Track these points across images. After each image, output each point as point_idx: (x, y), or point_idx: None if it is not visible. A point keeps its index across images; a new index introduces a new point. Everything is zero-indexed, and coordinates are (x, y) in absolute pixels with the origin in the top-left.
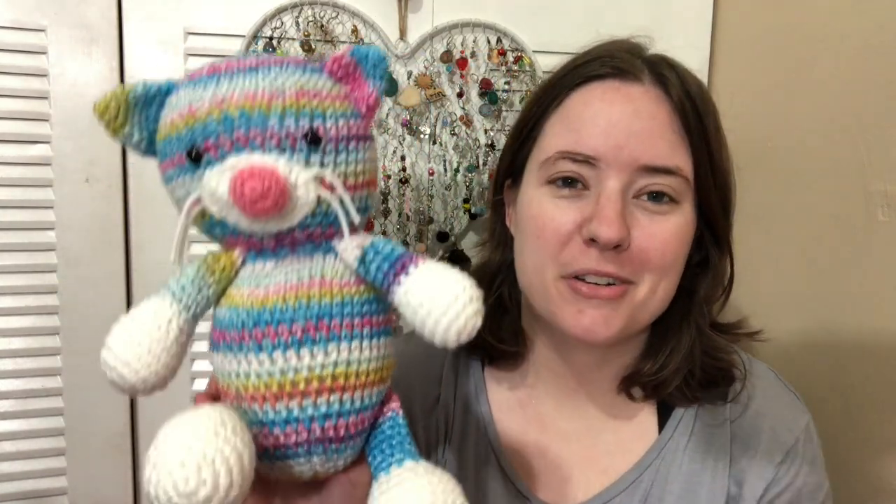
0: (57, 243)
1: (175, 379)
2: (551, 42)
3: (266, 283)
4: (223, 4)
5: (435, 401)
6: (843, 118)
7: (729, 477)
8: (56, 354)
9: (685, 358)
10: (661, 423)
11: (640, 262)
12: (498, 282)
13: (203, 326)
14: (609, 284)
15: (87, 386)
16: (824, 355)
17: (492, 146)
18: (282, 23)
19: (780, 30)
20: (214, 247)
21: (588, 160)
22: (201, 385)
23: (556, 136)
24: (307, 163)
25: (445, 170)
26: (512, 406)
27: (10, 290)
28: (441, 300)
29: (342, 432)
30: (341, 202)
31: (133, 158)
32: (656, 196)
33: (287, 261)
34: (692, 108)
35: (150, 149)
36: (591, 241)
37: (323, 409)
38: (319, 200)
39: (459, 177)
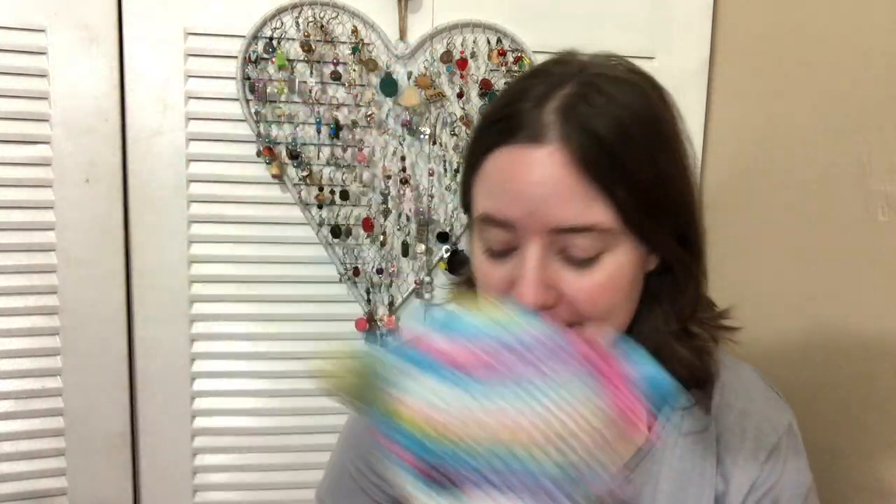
0: (57, 244)
1: (175, 379)
2: (551, 42)
3: None
4: (223, 4)
5: None
6: (843, 119)
7: (717, 476)
8: (56, 355)
9: (656, 357)
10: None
11: (574, 313)
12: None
13: (203, 326)
14: None
15: (87, 386)
16: (824, 355)
17: None
18: (282, 23)
19: (780, 30)
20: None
21: (507, 224)
22: (201, 385)
23: (480, 198)
24: None
25: (445, 170)
26: None
27: (10, 291)
28: None
29: None
30: None
31: (133, 158)
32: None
33: None
34: (607, 159)
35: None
36: None
37: None
38: None
39: (459, 177)
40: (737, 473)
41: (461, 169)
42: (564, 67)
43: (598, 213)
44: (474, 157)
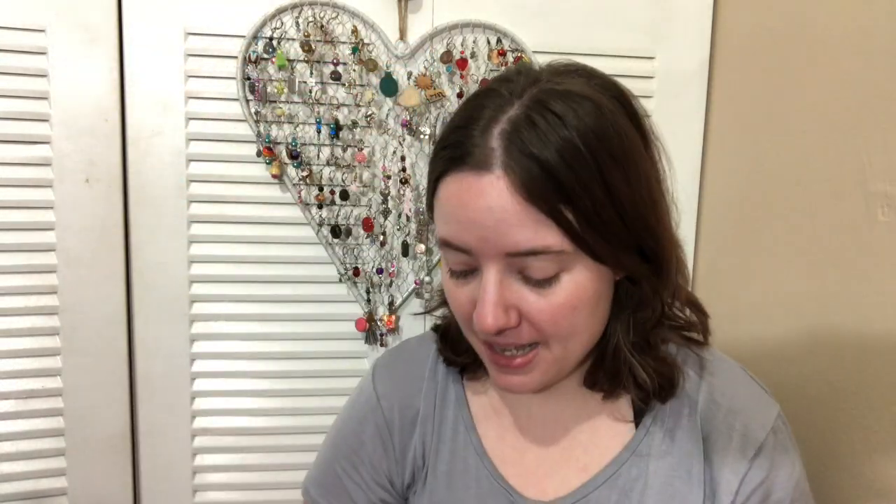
0: (57, 244)
1: (175, 379)
2: (551, 42)
3: None
4: (223, 5)
5: (415, 415)
6: (843, 118)
7: (705, 475)
8: (56, 355)
9: (614, 364)
10: (637, 420)
11: (536, 332)
12: None
13: (203, 326)
14: (520, 351)
15: (87, 386)
16: (824, 355)
17: None
18: (282, 23)
19: (780, 30)
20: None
21: (464, 250)
22: (201, 385)
23: (439, 223)
24: None
25: None
26: (488, 414)
27: (10, 291)
28: None
29: None
30: None
31: (133, 158)
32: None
33: None
34: (548, 180)
35: None
36: None
37: None
38: None
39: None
40: (726, 472)
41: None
42: (513, 85)
43: (548, 236)
44: (430, 182)
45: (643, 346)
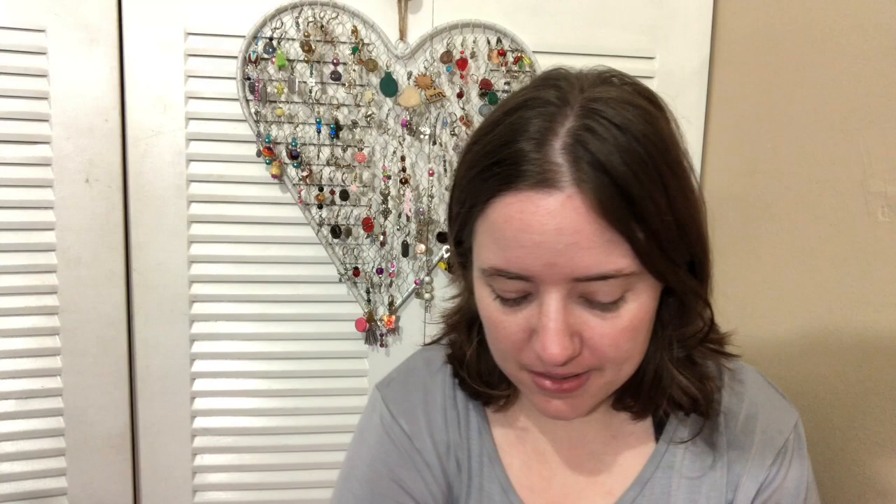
0: (57, 244)
1: (175, 379)
2: (551, 42)
3: None
4: (223, 5)
5: (445, 447)
6: (843, 118)
7: (726, 484)
8: (56, 355)
9: (654, 384)
10: (657, 436)
11: (596, 359)
12: (478, 326)
13: (203, 326)
14: (567, 379)
15: (87, 386)
16: (824, 355)
17: None
18: (282, 23)
19: (780, 30)
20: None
21: (522, 278)
22: (201, 385)
23: (487, 249)
24: None
25: (445, 170)
26: (512, 442)
27: (10, 291)
28: None
29: None
30: None
31: (133, 158)
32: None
33: None
34: (622, 198)
35: None
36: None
37: None
38: None
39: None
40: (745, 479)
41: (453, 200)
42: (558, 92)
43: (619, 258)
44: (474, 200)
45: (686, 362)
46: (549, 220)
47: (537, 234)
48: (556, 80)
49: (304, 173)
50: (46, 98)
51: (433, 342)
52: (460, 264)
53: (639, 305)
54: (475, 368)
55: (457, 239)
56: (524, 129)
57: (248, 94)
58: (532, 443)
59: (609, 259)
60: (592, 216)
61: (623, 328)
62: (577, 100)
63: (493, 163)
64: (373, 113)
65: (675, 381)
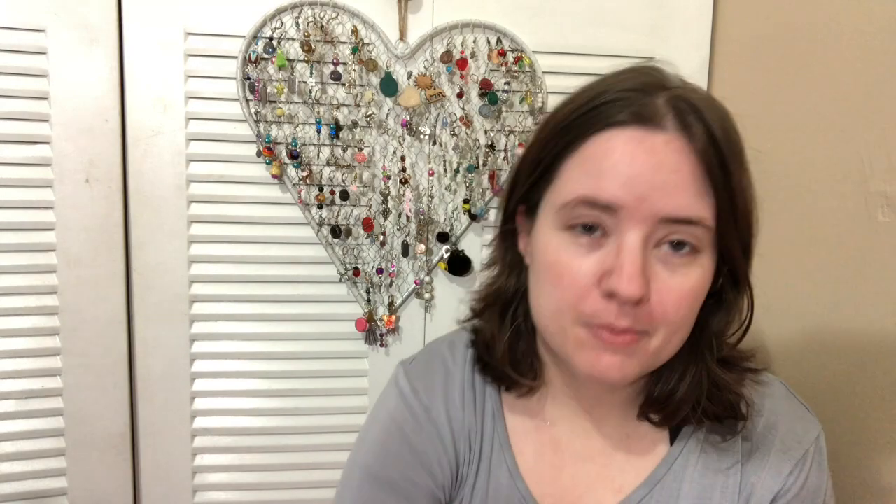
0: (57, 244)
1: (175, 379)
2: (551, 42)
3: None
4: (223, 5)
5: (460, 425)
6: (843, 118)
7: (739, 493)
8: (56, 355)
9: (691, 387)
10: (672, 438)
11: (657, 315)
12: (512, 310)
13: (203, 326)
14: (625, 332)
15: (87, 386)
16: (824, 355)
17: (492, 146)
18: (282, 23)
19: (780, 30)
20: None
21: (609, 208)
22: (201, 385)
23: (575, 182)
24: None
25: (445, 170)
26: (528, 430)
27: (10, 291)
28: None
29: None
30: None
31: (133, 158)
32: (677, 245)
33: None
34: (716, 156)
35: None
36: (611, 295)
37: None
38: None
39: (459, 177)
40: (759, 487)
41: (524, 162)
42: (651, 75)
43: (705, 208)
44: (568, 139)
45: (724, 363)
46: (651, 156)
47: (639, 165)
48: (645, 68)
49: (304, 173)
50: (46, 98)
51: (472, 318)
52: (504, 244)
53: (703, 273)
54: (507, 355)
55: (522, 200)
56: (625, 84)
57: (248, 94)
58: (547, 432)
59: (697, 205)
60: (693, 161)
61: (689, 289)
62: (669, 83)
63: (598, 105)
64: (373, 113)
65: (721, 380)
